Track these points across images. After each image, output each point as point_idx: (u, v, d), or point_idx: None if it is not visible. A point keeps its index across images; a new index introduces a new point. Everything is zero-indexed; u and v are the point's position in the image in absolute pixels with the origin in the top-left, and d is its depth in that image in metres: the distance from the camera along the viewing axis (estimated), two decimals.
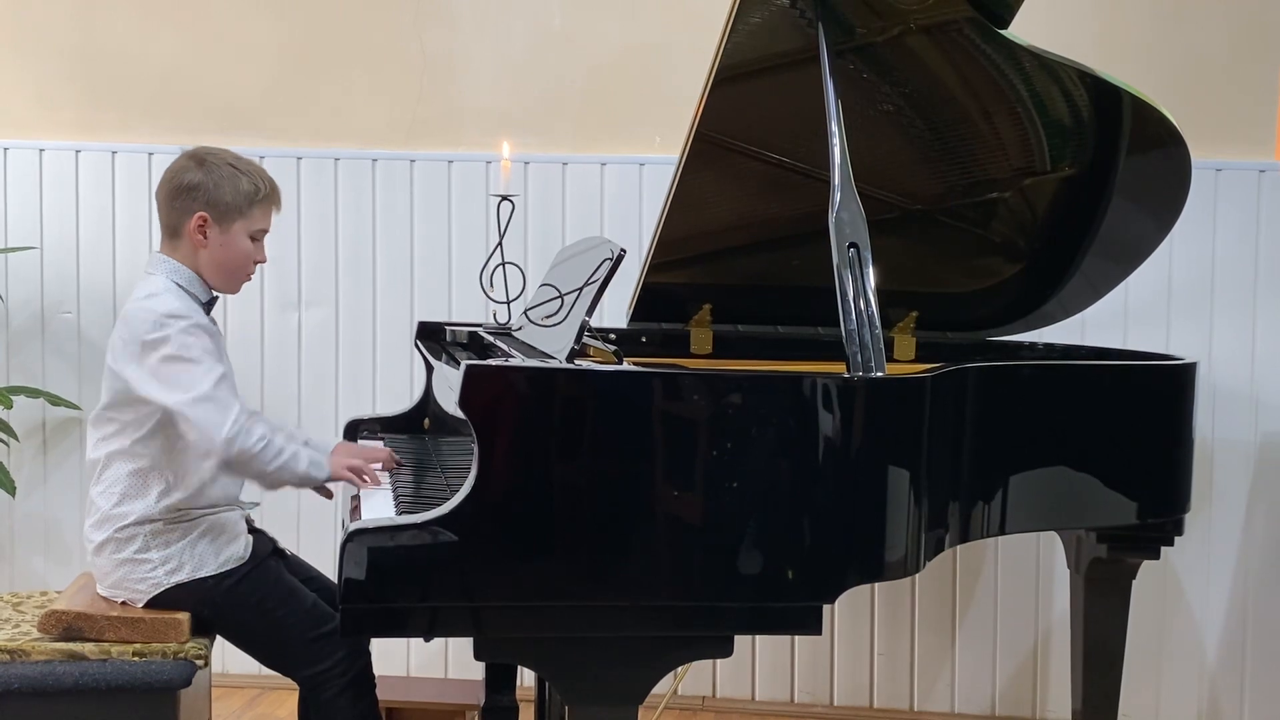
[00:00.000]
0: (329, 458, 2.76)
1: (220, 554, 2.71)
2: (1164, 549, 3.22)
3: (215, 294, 2.80)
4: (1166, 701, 3.92)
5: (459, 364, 2.38)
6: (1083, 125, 3.22)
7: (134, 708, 2.64)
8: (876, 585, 3.88)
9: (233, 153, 2.80)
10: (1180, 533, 3.18)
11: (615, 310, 3.39)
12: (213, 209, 2.72)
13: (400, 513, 2.52)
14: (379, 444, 3.06)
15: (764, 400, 2.38)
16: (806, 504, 2.39)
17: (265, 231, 2.81)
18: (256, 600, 2.72)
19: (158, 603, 2.71)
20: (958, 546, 2.79)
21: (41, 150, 4.13)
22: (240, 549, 2.74)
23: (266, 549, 2.82)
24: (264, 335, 4.04)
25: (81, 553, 4.00)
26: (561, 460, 2.33)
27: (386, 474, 2.82)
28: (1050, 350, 3.59)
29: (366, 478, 2.73)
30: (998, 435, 2.76)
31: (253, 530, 2.84)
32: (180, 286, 2.71)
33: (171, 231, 2.76)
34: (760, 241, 3.34)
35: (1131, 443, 3.00)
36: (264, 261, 2.84)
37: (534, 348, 2.72)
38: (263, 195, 2.77)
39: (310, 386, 4.08)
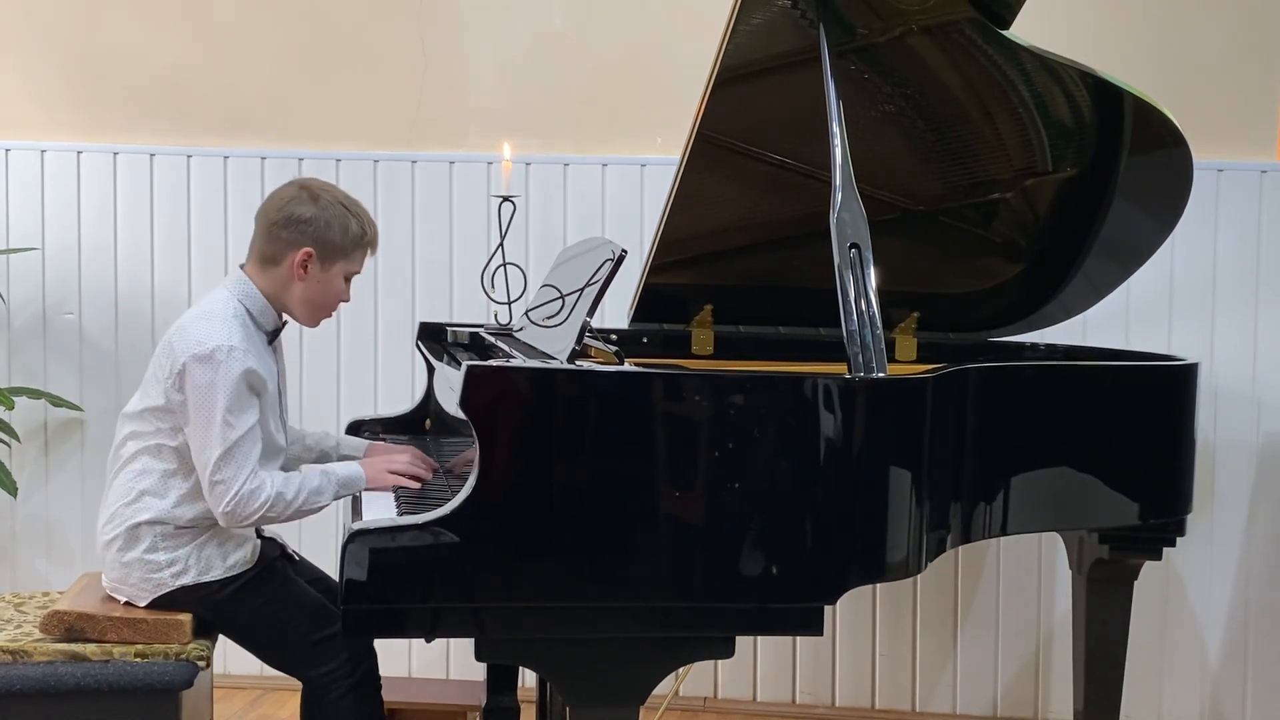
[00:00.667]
0: (366, 469, 2.75)
1: (227, 559, 2.71)
2: (1166, 550, 3.22)
3: (283, 322, 2.80)
4: (1169, 702, 3.92)
5: (460, 364, 2.37)
6: (1084, 126, 3.22)
7: (136, 709, 2.64)
8: (878, 586, 3.87)
9: (342, 190, 2.80)
10: (1182, 533, 3.18)
11: (616, 311, 3.39)
12: (320, 246, 2.71)
13: (401, 513, 2.53)
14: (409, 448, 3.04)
15: (765, 401, 2.38)
16: (808, 505, 2.39)
17: (358, 273, 2.81)
18: (260, 603, 2.72)
19: (161, 604, 2.71)
20: (959, 547, 2.79)
21: (43, 151, 4.13)
22: (247, 554, 2.74)
23: (274, 553, 2.82)
24: None
25: (84, 553, 4.01)
26: (563, 461, 2.33)
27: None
28: (1052, 351, 3.58)
29: (412, 478, 2.75)
30: (999, 436, 2.76)
31: (261, 536, 2.83)
32: (248, 312, 2.71)
33: (269, 259, 2.73)
34: (761, 242, 3.34)
35: (1133, 443, 2.99)
36: (348, 301, 2.84)
37: (535, 348, 2.72)
38: (367, 240, 2.78)
39: (312, 387, 4.08)
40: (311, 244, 2.71)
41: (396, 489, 2.74)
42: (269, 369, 2.71)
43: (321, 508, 2.70)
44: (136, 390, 2.77)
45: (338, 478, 2.70)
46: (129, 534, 2.69)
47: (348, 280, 2.79)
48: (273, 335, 2.78)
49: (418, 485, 2.74)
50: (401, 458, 2.81)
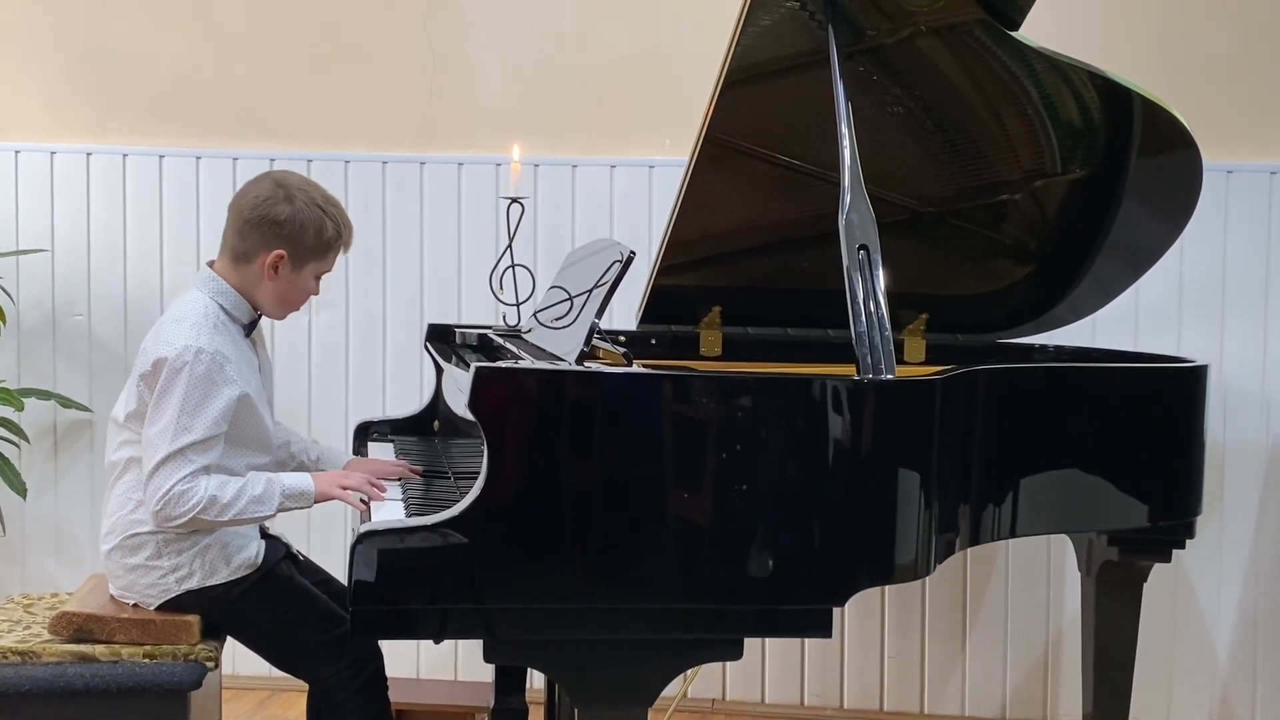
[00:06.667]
0: (316, 482, 2.66)
1: (231, 561, 2.70)
2: (1175, 551, 3.21)
3: (259, 315, 2.78)
4: (1178, 704, 3.91)
5: (469, 366, 2.38)
6: (1093, 127, 3.21)
7: (144, 709, 2.65)
8: (887, 588, 3.87)
9: (318, 187, 2.76)
10: (1191, 535, 3.17)
11: (625, 312, 3.39)
12: (293, 248, 2.69)
13: (410, 515, 2.52)
14: (391, 459, 3.00)
15: (774, 402, 2.38)
16: (816, 506, 2.38)
17: (329, 272, 2.80)
18: (268, 605, 2.72)
19: (169, 606, 2.71)
20: (968, 549, 2.78)
21: (53, 153, 4.14)
22: (252, 555, 2.73)
23: (279, 554, 2.81)
24: (274, 337, 4.04)
25: (93, 554, 4.02)
26: (571, 462, 2.33)
27: (397, 483, 2.80)
28: (1061, 352, 3.58)
29: (363, 495, 2.64)
30: (1008, 438, 2.76)
31: (265, 535, 2.83)
32: (223, 309, 2.69)
33: (240, 256, 2.71)
34: (770, 243, 3.34)
35: (1143, 445, 2.99)
36: (317, 295, 2.82)
37: (543, 350, 2.72)
38: (341, 242, 2.76)
39: (320, 389, 4.08)
40: (285, 246, 2.68)
41: (403, 488, 2.74)
42: (248, 362, 2.71)
43: (267, 517, 2.64)
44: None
45: (283, 487, 2.62)
46: (131, 542, 2.69)
47: (318, 278, 2.78)
48: (249, 328, 2.77)
49: (364, 506, 2.61)
50: (356, 476, 2.71)
